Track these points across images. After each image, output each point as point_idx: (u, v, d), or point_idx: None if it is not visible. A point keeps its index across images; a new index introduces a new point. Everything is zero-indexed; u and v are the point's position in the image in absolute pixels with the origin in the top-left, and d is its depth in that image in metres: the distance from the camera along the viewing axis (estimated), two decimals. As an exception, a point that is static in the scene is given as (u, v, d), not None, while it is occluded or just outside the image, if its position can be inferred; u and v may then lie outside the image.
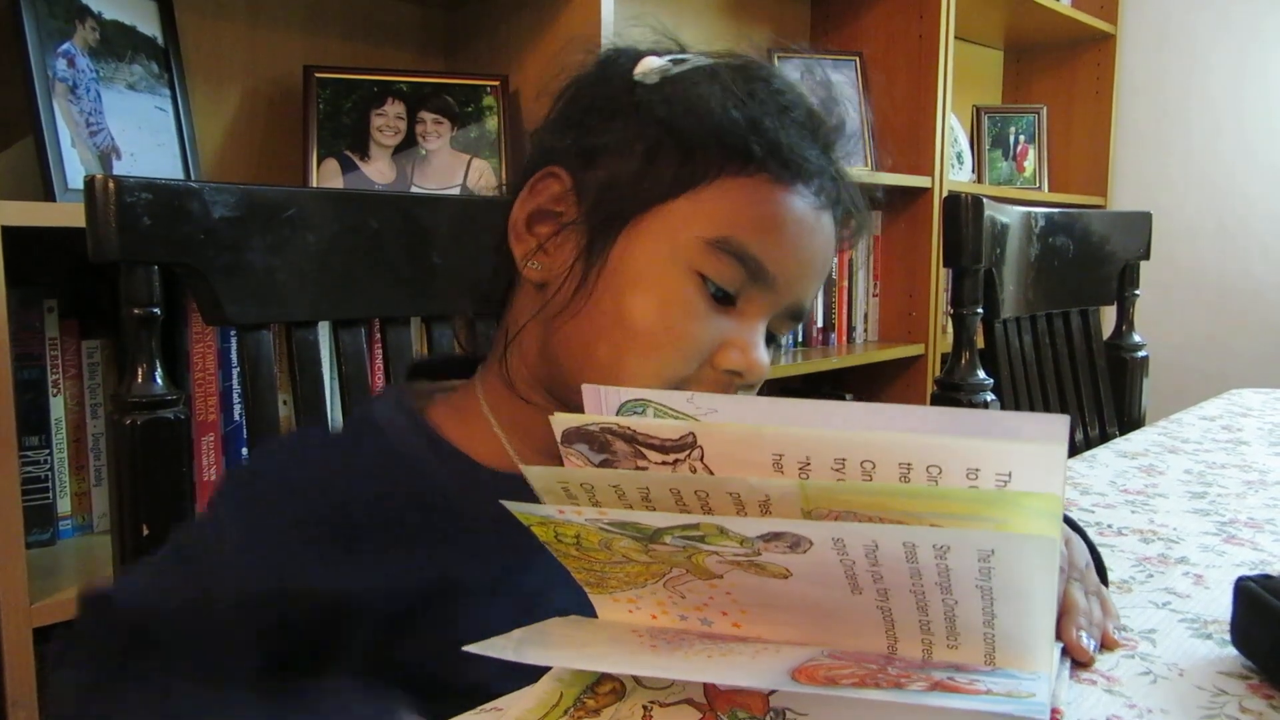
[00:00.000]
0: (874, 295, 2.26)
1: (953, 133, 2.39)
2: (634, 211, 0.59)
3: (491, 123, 1.54)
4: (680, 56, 0.63)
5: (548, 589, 0.61)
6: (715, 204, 0.59)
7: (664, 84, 0.61)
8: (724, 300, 0.59)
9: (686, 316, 0.58)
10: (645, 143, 0.60)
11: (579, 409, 0.52)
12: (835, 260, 0.70)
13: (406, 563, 0.60)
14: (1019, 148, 2.78)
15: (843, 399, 2.18)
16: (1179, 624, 0.58)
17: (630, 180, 0.60)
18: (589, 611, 0.54)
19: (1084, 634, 0.51)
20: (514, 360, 0.65)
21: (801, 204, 0.60)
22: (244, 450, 1.23)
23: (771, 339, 0.63)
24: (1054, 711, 0.46)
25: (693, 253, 0.58)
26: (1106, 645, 0.52)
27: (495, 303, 0.68)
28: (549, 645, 0.46)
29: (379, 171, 1.46)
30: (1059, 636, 0.51)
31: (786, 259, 0.60)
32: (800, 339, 2.12)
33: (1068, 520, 0.60)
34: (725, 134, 0.59)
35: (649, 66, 0.62)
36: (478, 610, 0.60)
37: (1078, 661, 0.51)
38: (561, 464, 0.47)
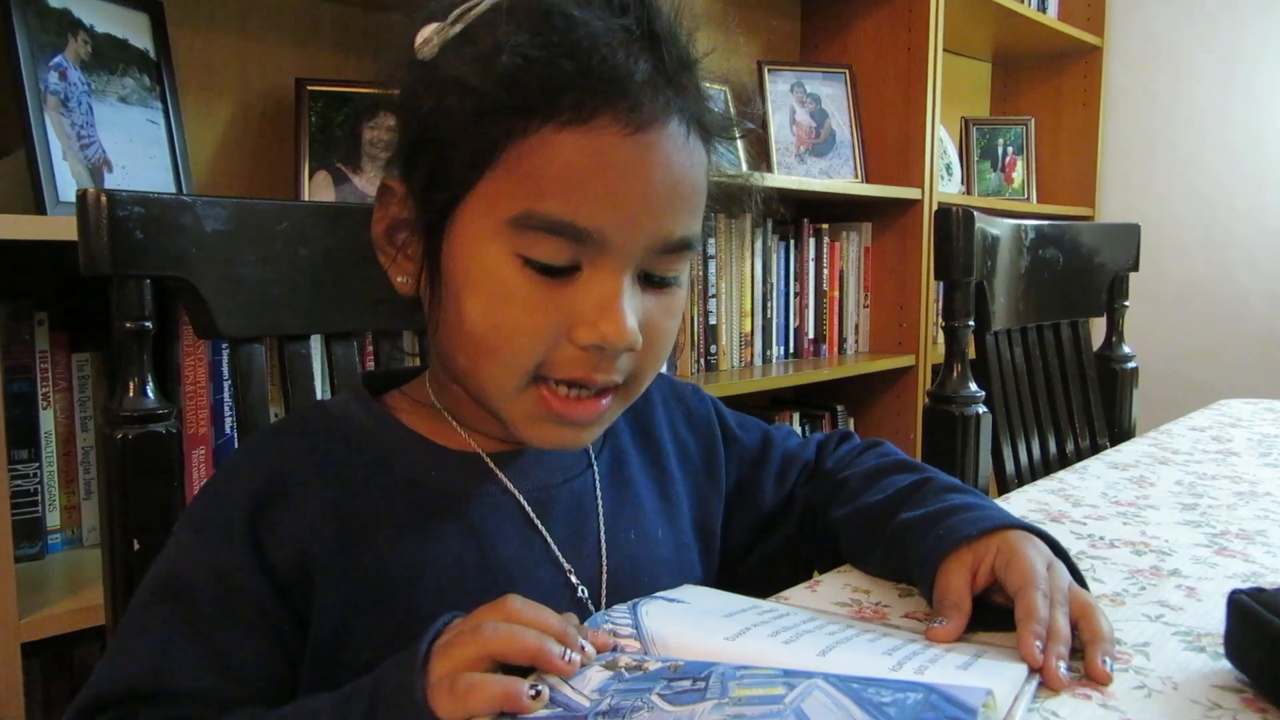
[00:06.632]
0: (865, 306, 2.27)
1: (942, 144, 2.40)
2: (448, 208, 0.55)
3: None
4: (463, 8, 0.54)
5: (516, 565, 0.60)
6: (509, 178, 0.52)
7: (440, 56, 0.54)
8: (561, 273, 0.53)
9: (515, 308, 0.53)
10: (436, 131, 0.54)
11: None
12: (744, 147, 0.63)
13: (357, 526, 0.58)
14: (1007, 159, 2.80)
15: (834, 411, 2.18)
16: (1172, 637, 0.58)
17: (438, 175, 0.55)
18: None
19: (1061, 663, 0.51)
20: (434, 363, 0.65)
21: (607, 138, 0.51)
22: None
23: (664, 281, 0.57)
24: None
25: (504, 238, 0.52)
26: (1098, 679, 0.51)
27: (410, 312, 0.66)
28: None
29: (371, 184, 1.46)
30: (1033, 659, 0.51)
31: (604, 208, 0.52)
32: (791, 350, 2.13)
33: (1048, 541, 0.60)
34: (492, 99, 0.51)
35: (423, 38, 0.54)
36: (440, 582, 0.58)
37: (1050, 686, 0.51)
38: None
